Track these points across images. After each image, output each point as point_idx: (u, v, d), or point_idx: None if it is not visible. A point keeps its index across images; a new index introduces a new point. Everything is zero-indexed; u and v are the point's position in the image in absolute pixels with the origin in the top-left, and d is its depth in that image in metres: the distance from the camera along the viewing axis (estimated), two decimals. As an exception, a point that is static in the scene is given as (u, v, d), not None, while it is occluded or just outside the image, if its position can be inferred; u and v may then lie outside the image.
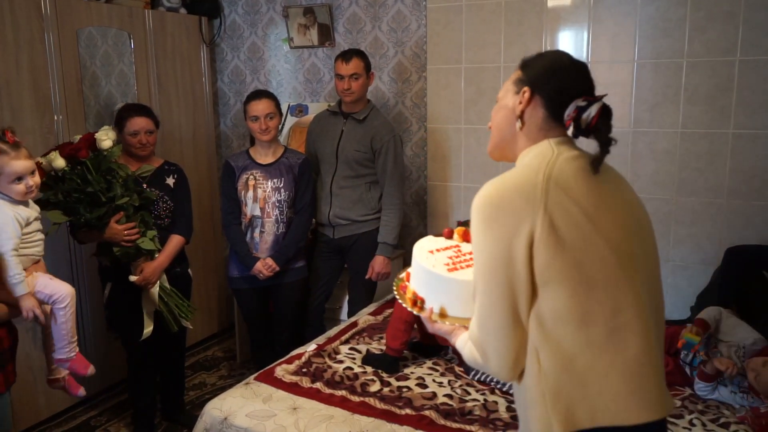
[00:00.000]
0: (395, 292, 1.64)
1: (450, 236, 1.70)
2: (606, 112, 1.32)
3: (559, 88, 1.35)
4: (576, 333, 1.24)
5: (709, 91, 3.09)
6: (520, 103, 1.38)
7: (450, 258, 1.56)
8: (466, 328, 1.43)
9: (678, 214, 3.21)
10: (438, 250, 1.61)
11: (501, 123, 1.44)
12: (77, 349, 2.26)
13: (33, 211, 2.17)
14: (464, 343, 1.38)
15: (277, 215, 3.13)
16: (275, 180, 3.12)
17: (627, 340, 1.25)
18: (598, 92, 1.37)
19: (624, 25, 3.20)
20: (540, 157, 1.34)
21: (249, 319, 3.35)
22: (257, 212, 3.13)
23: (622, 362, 1.24)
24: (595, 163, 1.30)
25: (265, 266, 3.11)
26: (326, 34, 3.97)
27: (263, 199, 3.11)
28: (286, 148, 3.24)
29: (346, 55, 3.21)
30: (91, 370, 2.29)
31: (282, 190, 3.12)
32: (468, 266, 1.51)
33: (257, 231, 3.15)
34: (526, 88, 1.38)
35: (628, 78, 3.22)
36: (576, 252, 1.23)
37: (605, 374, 1.24)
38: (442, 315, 1.50)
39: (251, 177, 3.13)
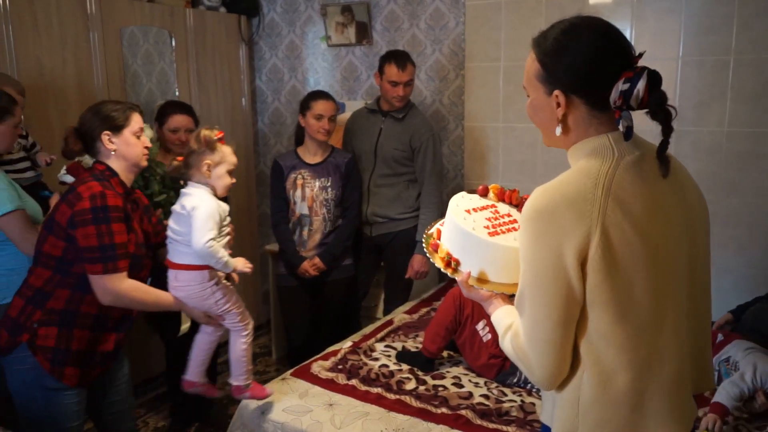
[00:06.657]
0: (425, 250, 1.55)
1: (485, 194, 1.61)
2: (653, 81, 1.16)
3: (595, 81, 1.21)
4: (617, 355, 1.20)
5: (756, 89, 3.00)
6: (558, 105, 1.24)
7: (489, 220, 1.48)
8: (504, 296, 1.38)
9: (722, 215, 3.12)
10: (475, 210, 1.52)
11: (544, 123, 1.31)
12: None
13: (227, 207, 2.16)
14: (504, 331, 1.30)
15: (324, 214, 3.16)
16: (323, 179, 3.15)
17: (664, 359, 1.22)
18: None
19: (668, 21, 3.13)
20: (598, 158, 1.22)
21: (290, 317, 3.31)
22: (305, 211, 3.16)
23: (659, 382, 1.22)
24: (662, 156, 1.21)
25: (311, 266, 3.14)
26: (364, 32, 3.97)
27: (311, 198, 3.14)
28: (333, 148, 3.25)
29: (399, 61, 3.14)
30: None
31: (329, 189, 3.15)
32: (509, 230, 1.44)
33: (306, 229, 3.17)
34: (557, 92, 1.23)
35: (672, 76, 3.14)
36: (627, 273, 1.17)
37: (641, 394, 1.22)
38: (482, 280, 1.41)
39: (299, 176, 3.16)
